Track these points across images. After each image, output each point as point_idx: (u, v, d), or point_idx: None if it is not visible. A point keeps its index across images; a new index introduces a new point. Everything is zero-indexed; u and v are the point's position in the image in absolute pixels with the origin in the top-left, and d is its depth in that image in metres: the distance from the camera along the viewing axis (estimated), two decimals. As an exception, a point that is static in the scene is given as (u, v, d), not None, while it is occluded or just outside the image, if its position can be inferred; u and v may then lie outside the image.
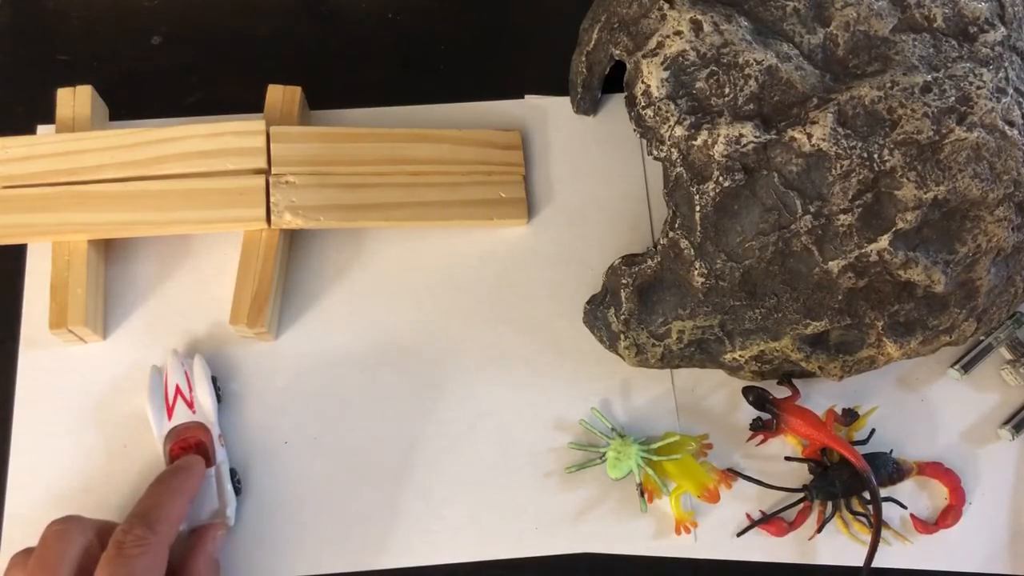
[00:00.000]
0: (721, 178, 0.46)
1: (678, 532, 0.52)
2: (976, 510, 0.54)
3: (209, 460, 0.50)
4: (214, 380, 0.53)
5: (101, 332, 0.54)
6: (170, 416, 0.51)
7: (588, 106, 0.59)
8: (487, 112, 0.60)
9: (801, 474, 0.54)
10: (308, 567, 0.51)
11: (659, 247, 0.49)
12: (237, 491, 0.51)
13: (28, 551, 0.45)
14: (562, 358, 0.55)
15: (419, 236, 0.57)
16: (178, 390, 0.51)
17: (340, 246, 0.57)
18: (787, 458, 0.54)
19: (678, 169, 0.47)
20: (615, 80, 0.54)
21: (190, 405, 0.51)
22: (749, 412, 0.54)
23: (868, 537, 0.51)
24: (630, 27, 0.49)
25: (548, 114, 0.60)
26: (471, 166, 0.57)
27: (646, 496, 0.52)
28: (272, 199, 0.54)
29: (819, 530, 0.52)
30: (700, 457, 0.53)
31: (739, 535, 0.52)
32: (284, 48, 0.62)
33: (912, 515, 0.53)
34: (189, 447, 0.50)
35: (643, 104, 0.48)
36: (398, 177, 0.56)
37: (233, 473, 0.51)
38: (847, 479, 0.52)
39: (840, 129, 0.45)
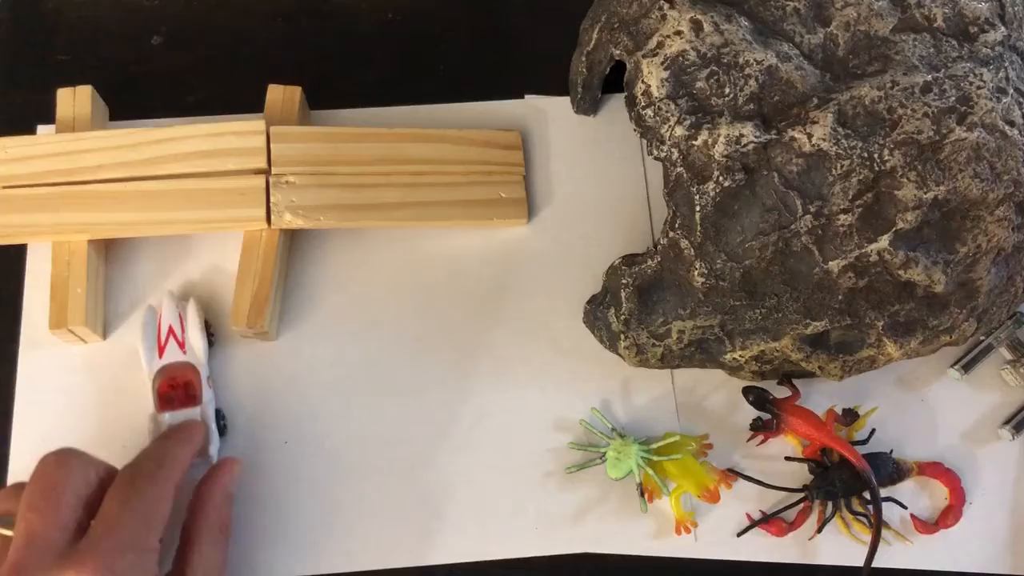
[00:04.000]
0: (721, 178, 0.46)
1: (678, 532, 0.52)
2: (976, 510, 0.54)
3: (196, 399, 0.51)
4: (207, 324, 0.54)
5: (101, 332, 0.54)
6: (161, 355, 0.52)
7: (588, 106, 0.59)
8: (487, 112, 0.60)
9: (801, 474, 0.54)
10: (308, 567, 0.51)
11: (659, 247, 0.49)
12: (222, 432, 0.52)
13: (19, 485, 0.44)
14: (562, 358, 0.55)
15: (419, 236, 0.57)
16: (171, 330, 0.52)
17: (340, 246, 0.57)
18: (787, 458, 0.54)
19: (678, 169, 0.47)
20: (615, 80, 0.54)
21: (181, 345, 0.52)
22: (749, 412, 0.54)
23: (868, 537, 0.51)
24: (630, 27, 0.49)
25: (548, 114, 0.60)
26: (471, 166, 0.57)
27: (646, 496, 0.52)
28: (272, 199, 0.54)
29: (819, 530, 0.52)
30: (700, 457, 0.53)
31: (739, 535, 0.52)
32: (284, 48, 0.62)
33: (912, 515, 0.53)
34: (178, 386, 0.51)
35: (643, 104, 0.48)
36: (398, 177, 0.56)
37: (220, 415, 0.52)
38: (847, 479, 0.52)
39: (840, 129, 0.45)
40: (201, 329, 0.53)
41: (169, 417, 0.51)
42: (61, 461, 0.44)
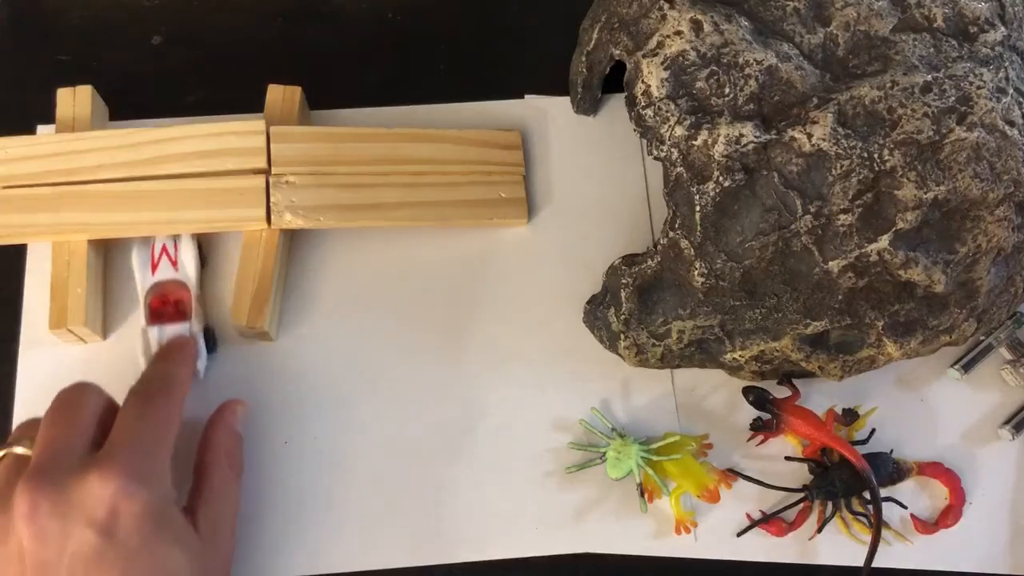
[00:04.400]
0: (721, 178, 0.46)
1: (678, 532, 0.52)
2: (976, 510, 0.54)
3: (186, 315, 0.53)
4: (199, 245, 0.55)
5: (101, 332, 0.54)
6: (154, 271, 0.54)
7: (588, 106, 0.59)
8: (487, 112, 0.60)
9: (801, 474, 0.54)
10: (308, 567, 0.51)
11: (659, 247, 0.49)
12: (211, 348, 0.54)
13: (35, 419, 0.46)
14: (562, 358, 0.55)
15: (419, 236, 0.57)
16: (164, 249, 0.54)
17: (340, 246, 0.57)
18: (787, 458, 0.54)
19: (678, 169, 0.47)
20: (615, 80, 0.54)
21: (174, 264, 0.54)
22: (749, 412, 0.54)
23: (868, 537, 0.51)
24: (630, 27, 0.49)
25: (548, 114, 0.60)
26: (471, 166, 0.57)
27: (646, 496, 0.52)
28: (272, 199, 0.54)
29: (819, 530, 0.52)
30: (700, 457, 0.53)
31: (739, 535, 0.52)
32: (284, 48, 0.62)
33: (912, 515, 0.53)
34: (168, 302, 0.53)
35: (643, 104, 0.48)
36: (398, 177, 0.56)
37: (209, 331, 0.54)
38: (847, 479, 0.52)
39: (840, 129, 0.45)
40: (194, 249, 0.54)
41: (158, 332, 0.52)
42: (76, 387, 0.47)
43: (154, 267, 0.54)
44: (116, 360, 0.54)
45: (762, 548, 0.52)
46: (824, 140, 0.45)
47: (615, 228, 0.58)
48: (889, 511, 0.52)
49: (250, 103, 0.57)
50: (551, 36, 0.61)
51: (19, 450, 0.45)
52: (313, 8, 0.63)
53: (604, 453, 0.52)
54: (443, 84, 0.61)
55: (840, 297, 0.47)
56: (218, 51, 0.62)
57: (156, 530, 0.43)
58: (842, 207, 0.45)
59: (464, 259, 0.57)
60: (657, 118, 0.47)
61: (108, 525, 0.42)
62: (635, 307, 0.51)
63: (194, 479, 0.48)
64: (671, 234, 0.48)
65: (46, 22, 0.62)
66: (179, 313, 0.53)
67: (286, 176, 0.54)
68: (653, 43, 0.48)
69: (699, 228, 0.47)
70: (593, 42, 0.54)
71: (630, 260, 0.51)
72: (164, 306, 0.53)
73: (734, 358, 0.51)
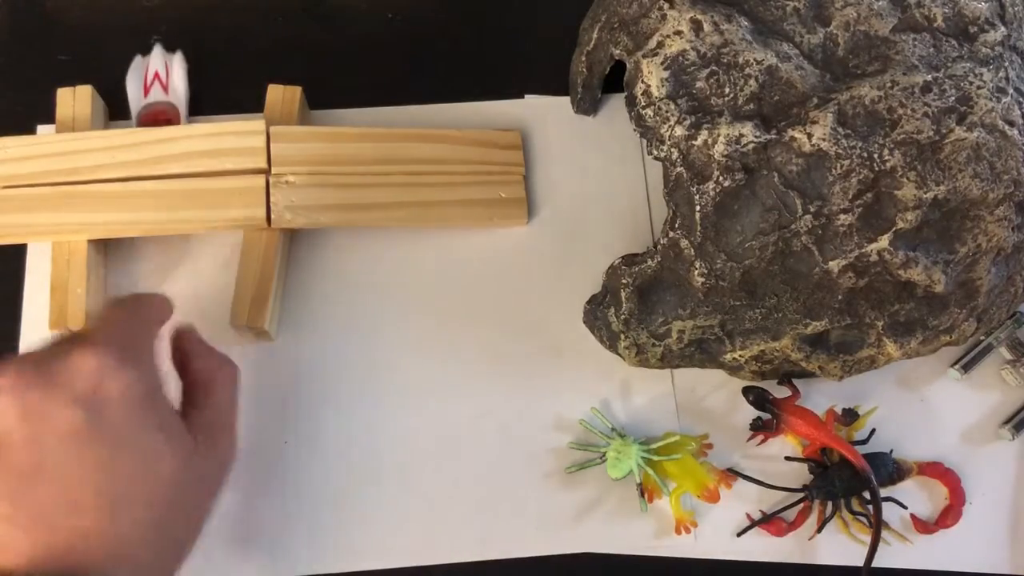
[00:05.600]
0: (721, 178, 0.46)
1: (678, 532, 0.52)
2: (976, 510, 0.54)
3: (180, 119, 0.57)
4: (189, 72, 0.59)
5: (101, 332, 0.54)
6: (146, 94, 0.58)
7: (588, 106, 0.59)
8: (487, 112, 0.60)
9: (801, 474, 0.54)
10: (308, 567, 0.51)
11: (659, 247, 0.49)
12: None
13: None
14: (562, 358, 0.55)
15: (419, 236, 0.57)
16: (156, 75, 0.58)
17: (340, 246, 0.57)
18: (787, 458, 0.54)
19: (678, 169, 0.47)
20: (615, 80, 0.54)
21: (165, 88, 0.58)
22: (749, 412, 0.54)
23: (868, 537, 0.51)
24: (630, 27, 0.49)
25: (548, 114, 0.60)
26: (471, 166, 0.57)
27: (646, 496, 0.52)
28: (272, 199, 0.54)
29: (819, 530, 0.52)
30: (700, 457, 0.53)
31: (739, 535, 0.52)
32: (284, 48, 0.62)
33: (912, 515, 0.53)
34: (159, 122, 0.57)
35: (643, 104, 0.48)
36: (398, 177, 0.56)
37: None
38: (847, 479, 0.52)
39: (840, 129, 0.45)
40: (184, 75, 0.58)
41: None
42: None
43: (147, 90, 0.58)
44: (116, 360, 0.54)
45: (762, 548, 0.52)
46: (824, 140, 0.45)
47: (615, 228, 0.58)
48: (889, 511, 0.52)
49: (250, 103, 0.57)
50: (551, 36, 0.61)
51: None
52: (313, 8, 0.63)
53: (604, 453, 0.52)
54: (443, 84, 0.61)
55: (840, 297, 0.47)
56: (218, 51, 0.62)
57: (142, 413, 0.42)
58: (842, 207, 0.45)
59: (464, 259, 0.57)
60: (657, 118, 0.47)
61: (92, 402, 0.41)
62: (635, 307, 0.51)
63: (184, 390, 0.47)
64: (671, 234, 0.48)
65: (46, 22, 0.62)
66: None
67: (286, 176, 0.54)
68: (653, 43, 0.48)
69: (699, 228, 0.47)
70: (593, 42, 0.54)
71: (630, 260, 0.51)
72: (155, 124, 0.56)
73: (734, 358, 0.51)
